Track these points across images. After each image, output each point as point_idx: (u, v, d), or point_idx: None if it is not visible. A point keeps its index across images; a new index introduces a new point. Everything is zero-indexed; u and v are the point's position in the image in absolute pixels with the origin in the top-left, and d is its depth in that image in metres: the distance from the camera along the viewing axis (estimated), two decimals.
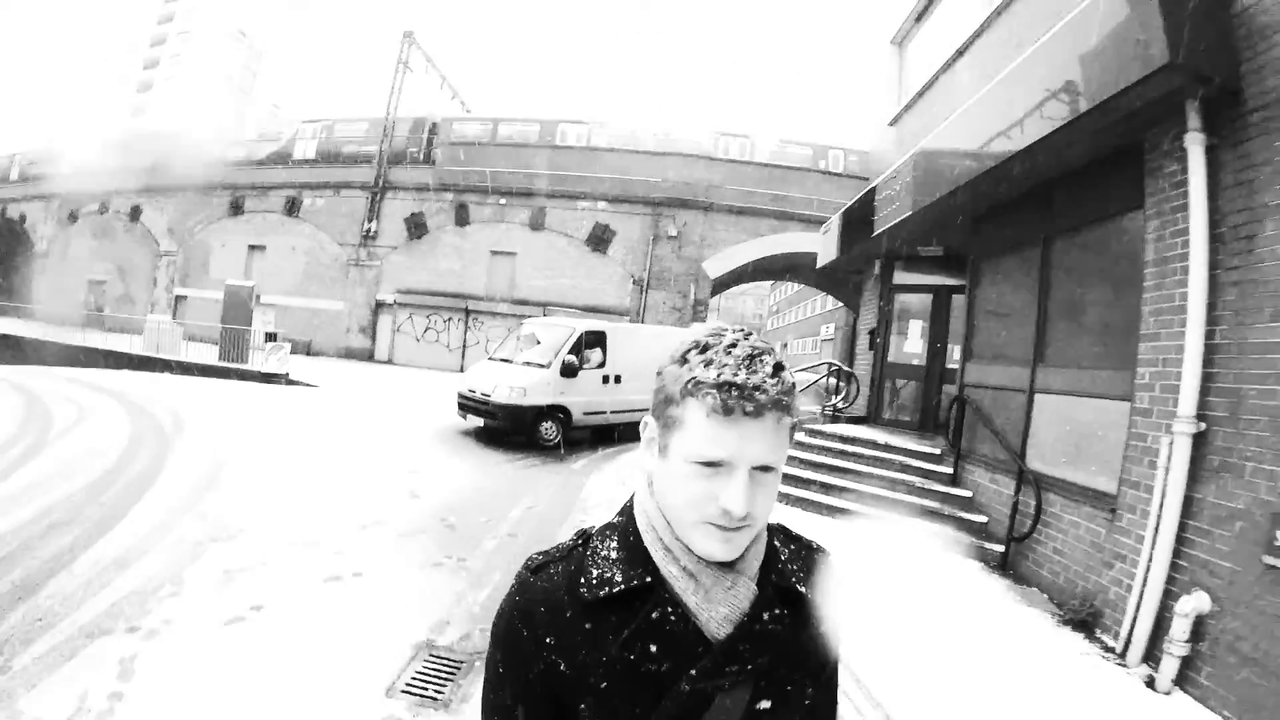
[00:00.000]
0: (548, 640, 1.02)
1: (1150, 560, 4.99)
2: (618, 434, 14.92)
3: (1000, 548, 7.31)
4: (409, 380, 22.86)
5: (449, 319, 30.12)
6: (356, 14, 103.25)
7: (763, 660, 1.03)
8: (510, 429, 12.79)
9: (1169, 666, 4.69)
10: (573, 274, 29.21)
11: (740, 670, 1.01)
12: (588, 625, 1.02)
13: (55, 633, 4.35)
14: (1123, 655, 5.17)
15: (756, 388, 0.94)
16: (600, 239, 28.91)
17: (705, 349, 1.00)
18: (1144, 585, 5.02)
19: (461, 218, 30.62)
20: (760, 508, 0.97)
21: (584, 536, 1.13)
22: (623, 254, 28.82)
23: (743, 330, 1.04)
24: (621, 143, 30.03)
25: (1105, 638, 5.48)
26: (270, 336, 21.03)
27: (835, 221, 12.82)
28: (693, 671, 0.99)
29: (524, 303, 28.75)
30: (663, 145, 29.65)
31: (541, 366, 13.14)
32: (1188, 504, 4.83)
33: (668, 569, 1.03)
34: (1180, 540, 4.89)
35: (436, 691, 4.15)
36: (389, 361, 30.26)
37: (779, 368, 0.98)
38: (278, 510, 7.46)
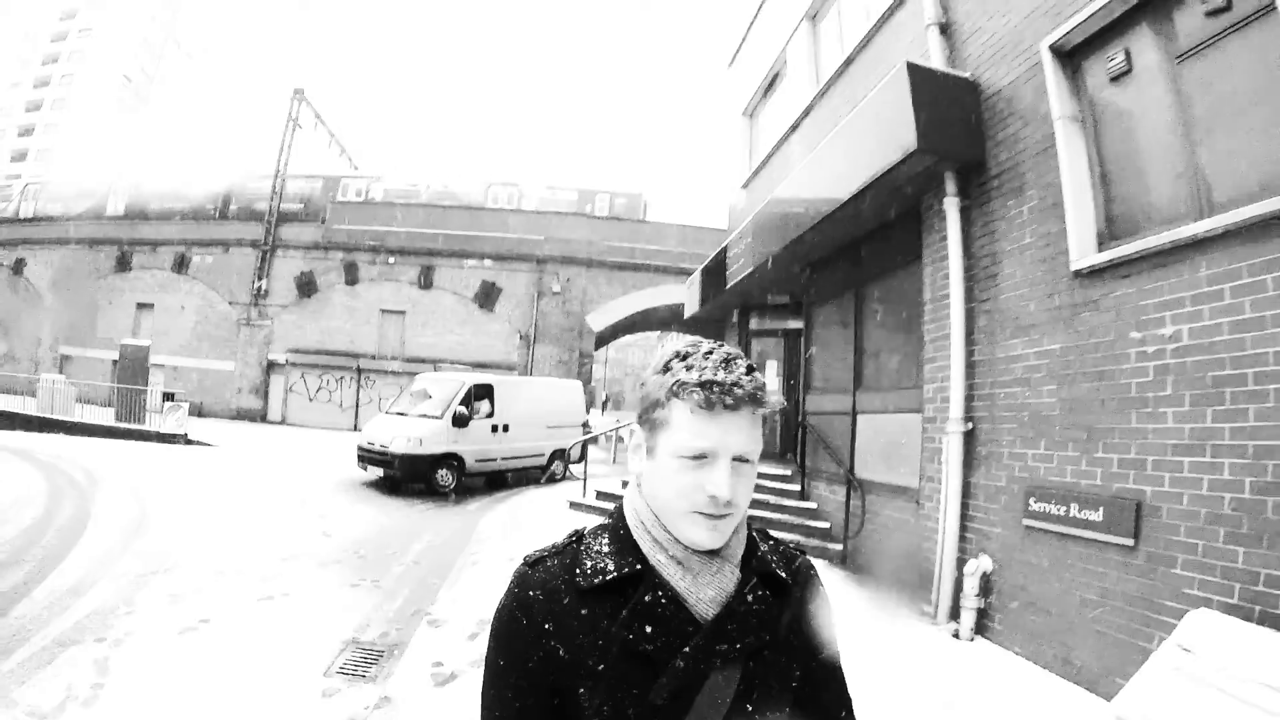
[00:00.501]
0: (546, 626, 1.07)
1: (944, 535, 6.17)
2: (510, 479, 15.75)
3: (839, 546, 8.48)
4: (304, 439, 22.90)
5: (341, 378, 30.01)
6: (246, 68, 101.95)
7: (750, 639, 1.08)
8: (408, 477, 13.42)
9: (968, 619, 5.84)
10: (461, 331, 29.63)
11: (730, 649, 1.07)
12: (584, 611, 1.08)
13: (31, 645, 4.91)
14: (935, 616, 6.29)
15: (734, 384, 1.02)
16: (487, 296, 29.51)
17: (685, 357, 1.08)
18: (942, 556, 6.19)
19: (351, 276, 30.67)
20: (741, 496, 1.04)
21: (578, 535, 1.20)
22: (509, 310, 29.46)
23: (715, 341, 1.14)
24: (506, 201, 31.04)
25: (923, 605, 6.58)
26: (168, 396, 20.94)
27: (697, 276, 14.09)
28: (686, 649, 1.04)
29: (415, 360, 28.93)
30: (545, 204, 30.79)
31: (435, 418, 13.90)
32: (966, 487, 6.07)
33: (656, 558, 1.09)
34: (964, 516, 6.11)
35: (364, 671, 4.91)
36: (282, 422, 29.83)
37: (751, 368, 1.07)
38: (205, 548, 8.00)
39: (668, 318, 32.40)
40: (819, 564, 9.71)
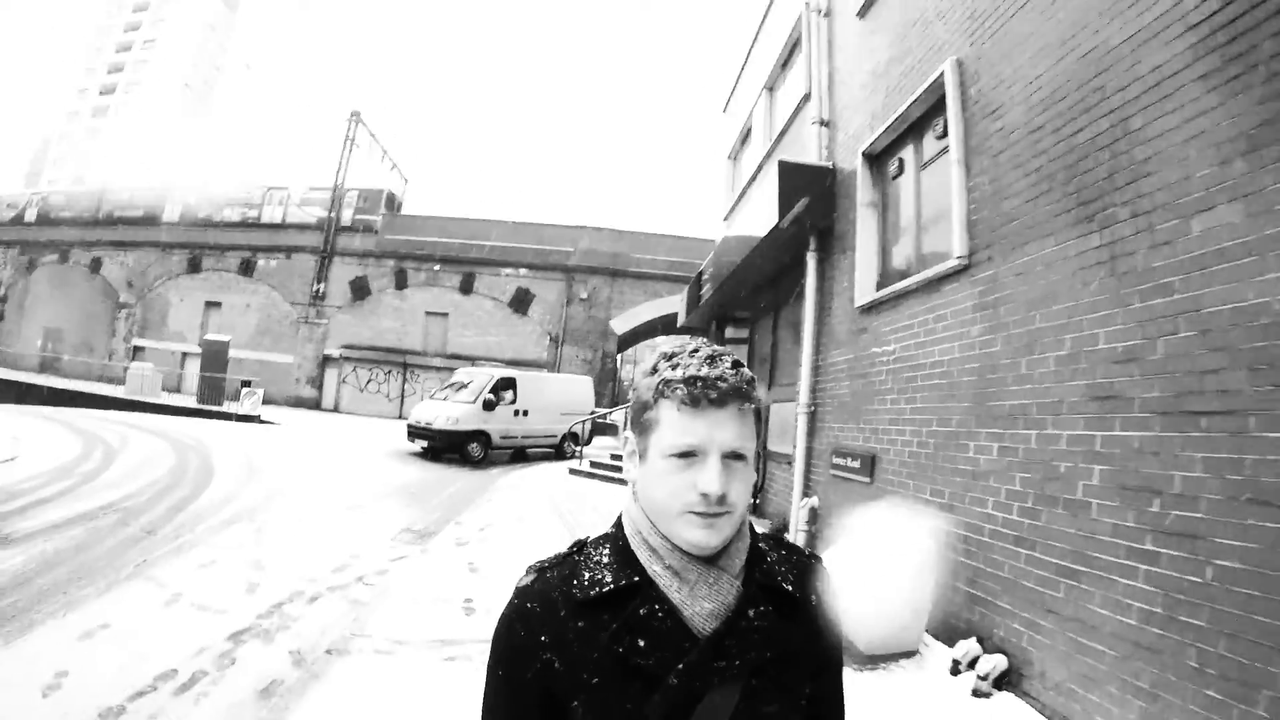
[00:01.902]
0: (543, 639, 1.05)
1: (796, 484, 8.85)
2: (527, 454, 19.17)
3: (754, 500, 11.13)
4: (356, 424, 26.07)
5: (389, 372, 33.04)
6: (301, 82, 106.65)
7: (751, 656, 1.05)
8: (446, 448, 16.60)
9: (801, 539, 8.45)
10: (497, 332, 32.61)
11: (729, 666, 1.03)
12: (580, 624, 1.05)
13: (209, 521, 8.03)
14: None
15: (718, 378, 1.02)
16: (521, 301, 32.51)
17: (671, 357, 1.08)
18: (794, 498, 8.83)
19: (400, 282, 33.78)
20: (735, 493, 1.02)
21: (580, 545, 1.18)
22: (541, 314, 32.44)
23: (703, 340, 1.13)
24: (540, 217, 33.88)
25: (787, 536, 9.18)
26: (245, 383, 24.25)
27: (684, 291, 16.79)
28: (680, 665, 1.02)
29: (455, 357, 31.69)
30: (575, 219, 33.58)
31: (468, 403, 17.11)
32: (808, 451, 8.73)
33: (652, 568, 1.07)
34: (806, 471, 8.76)
35: (415, 539, 8.02)
36: (335, 410, 32.86)
37: (737, 364, 1.07)
38: (303, 482, 11.34)
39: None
40: None
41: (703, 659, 1.03)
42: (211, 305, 36.03)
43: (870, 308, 7.40)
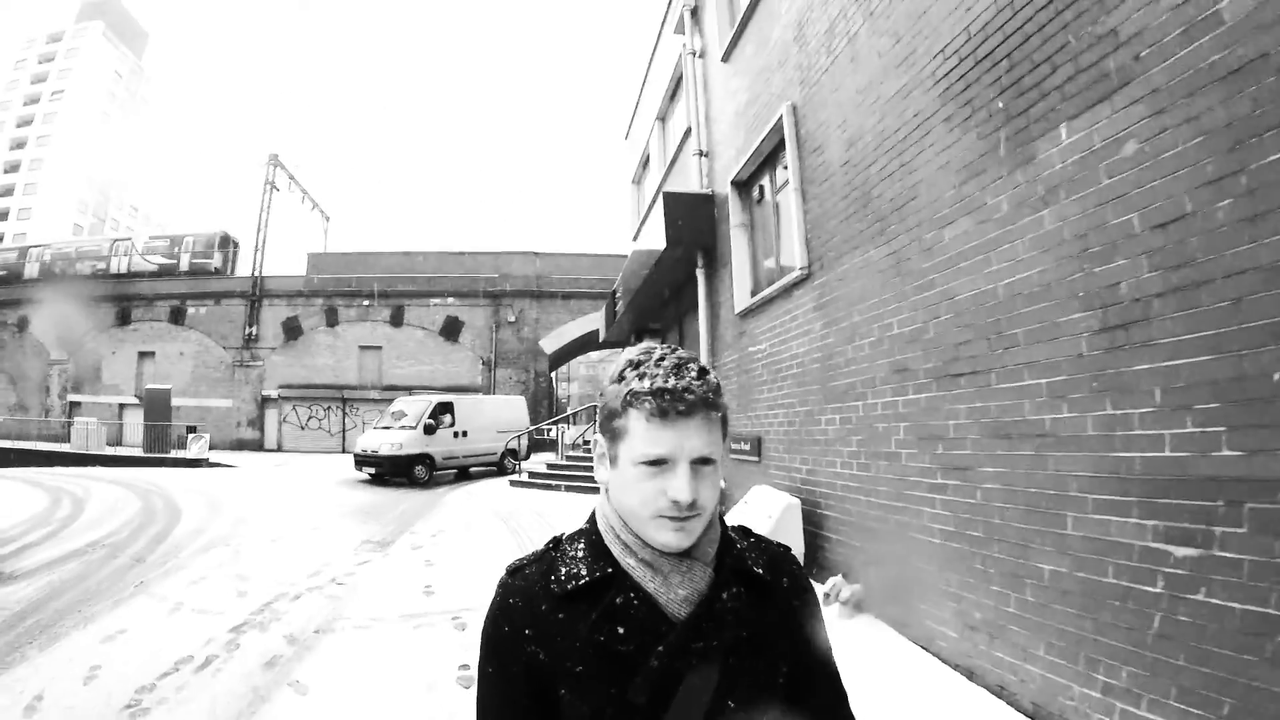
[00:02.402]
0: (526, 631, 1.08)
1: None
2: (470, 472, 20.14)
3: None
4: (302, 460, 26.55)
5: (328, 408, 33.42)
6: (218, 131, 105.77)
7: (727, 636, 1.08)
8: (392, 472, 17.50)
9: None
10: (431, 360, 33.30)
11: (705, 646, 1.06)
12: (560, 615, 1.08)
13: (189, 548, 8.85)
14: None
15: (686, 389, 1.02)
16: (452, 329, 33.26)
17: (638, 365, 1.07)
18: None
19: (332, 319, 34.16)
20: (705, 497, 1.03)
21: (556, 541, 1.21)
22: (471, 340, 33.23)
23: (668, 346, 1.11)
24: (464, 245, 34.70)
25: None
26: (191, 429, 24.57)
27: (603, 308, 17.91)
28: (661, 648, 1.04)
29: (392, 388, 32.18)
30: (498, 245, 34.59)
31: (410, 429, 18.04)
32: None
33: (626, 561, 1.09)
34: None
35: (375, 548, 8.91)
36: (278, 449, 33.02)
37: (703, 372, 1.07)
38: (266, 511, 12.20)
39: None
40: None
41: (681, 640, 1.05)
42: (145, 355, 35.64)
43: (746, 314, 8.59)
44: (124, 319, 36.17)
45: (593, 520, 1.19)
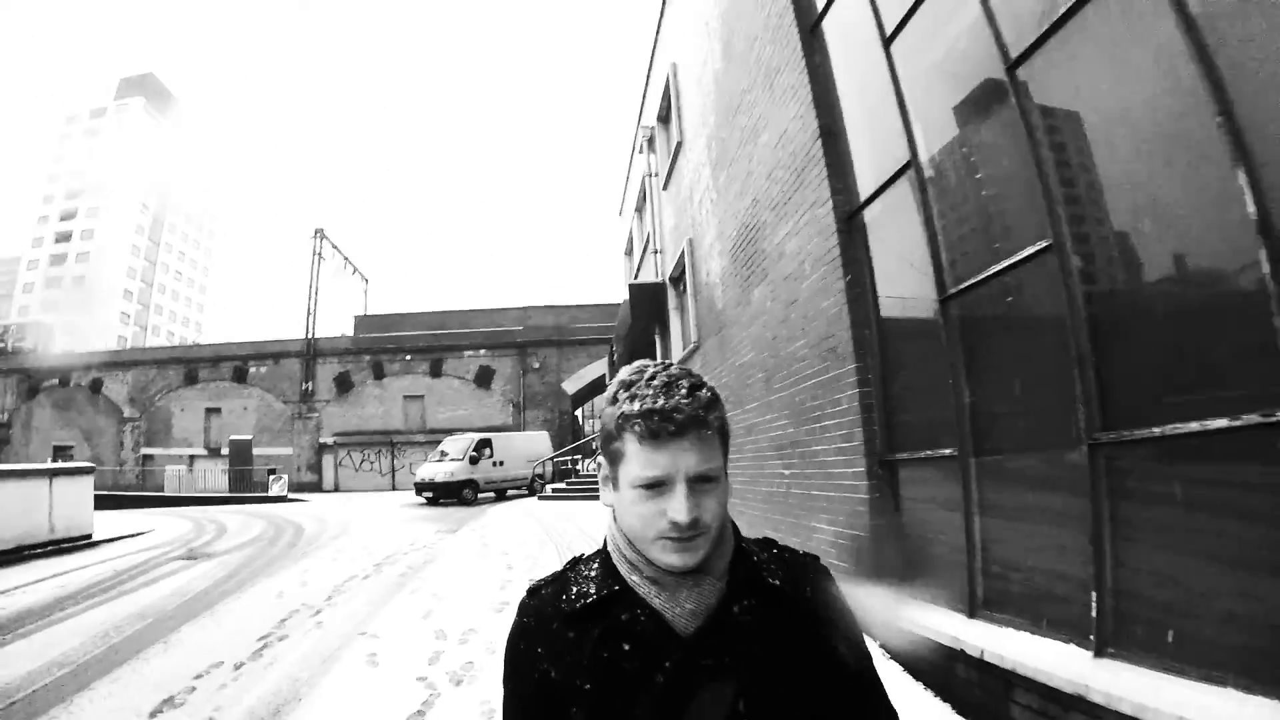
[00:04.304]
0: (539, 650, 1.10)
1: None
2: (506, 494, 25.13)
3: None
4: (360, 497, 31.37)
5: (378, 451, 38.45)
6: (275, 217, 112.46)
7: (739, 651, 1.05)
8: (444, 495, 22.50)
9: None
10: (467, 406, 38.32)
11: (715, 662, 1.04)
12: (571, 634, 1.09)
13: (318, 542, 13.73)
14: None
15: (674, 409, 0.99)
16: (484, 377, 38.29)
17: (630, 385, 1.05)
18: None
19: (378, 372, 39.31)
20: (707, 515, 1.01)
21: (574, 561, 1.21)
22: (502, 386, 38.27)
23: (661, 363, 1.09)
24: (492, 302, 40.06)
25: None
26: (271, 471, 29.69)
27: (608, 352, 22.78)
28: (666, 664, 1.03)
29: (434, 431, 36.96)
30: (522, 299, 39.81)
31: (458, 460, 23.04)
32: None
33: (632, 579, 1.08)
34: None
35: (443, 535, 13.53)
36: (335, 489, 37.84)
37: (695, 388, 1.04)
38: (363, 524, 16.73)
39: None
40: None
41: (687, 657, 1.04)
42: (212, 411, 40.80)
43: (684, 360, 13.23)
44: (191, 379, 41.47)
45: (605, 540, 1.18)
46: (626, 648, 1.06)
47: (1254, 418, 2.39)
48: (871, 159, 5.26)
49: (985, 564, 4.03)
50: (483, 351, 38.81)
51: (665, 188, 14.27)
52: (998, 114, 3.74)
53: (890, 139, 4.82)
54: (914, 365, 4.87)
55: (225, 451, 36.85)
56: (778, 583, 1.12)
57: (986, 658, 3.64)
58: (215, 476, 34.98)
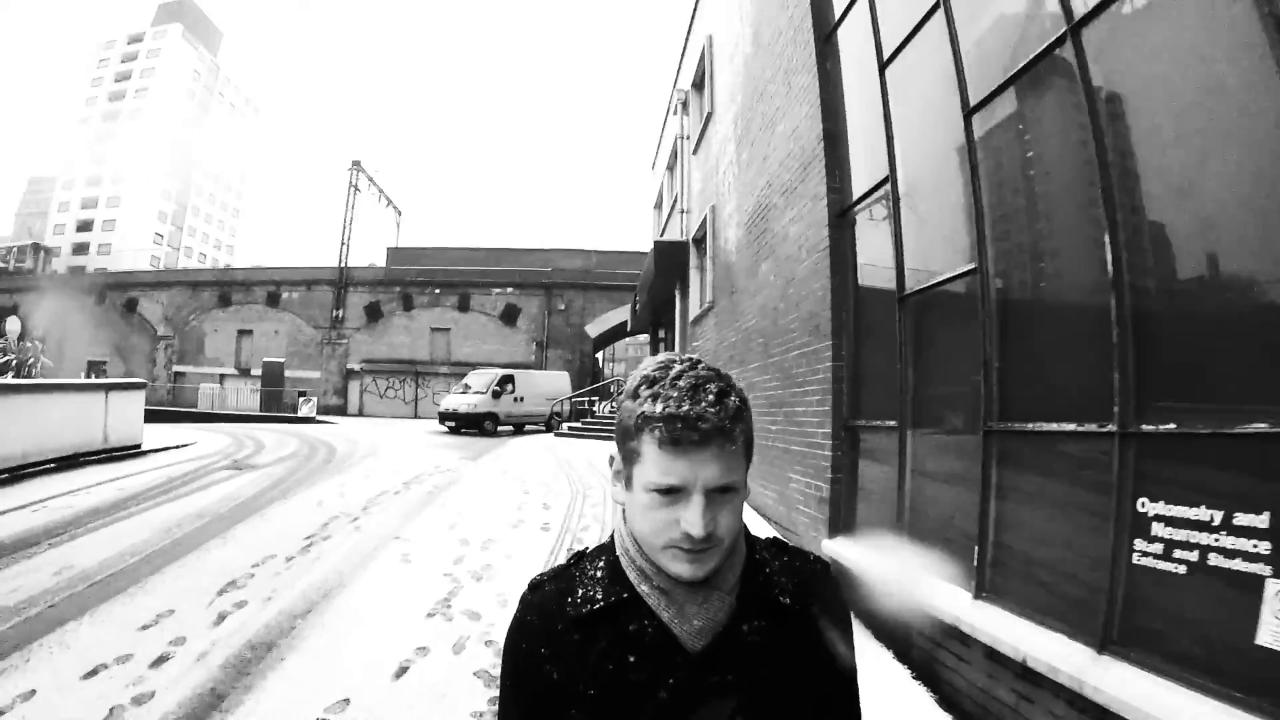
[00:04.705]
0: (542, 650, 1.08)
1: None
2: (524, 428, 26.34)
3: None
4: (385, 423, 32.70)
5: (403, 380, 39.79)
6: (291, 126, 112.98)
7: (744, 670, 1.04)
8: (466, 425, 23.77)
9: None
10: (492, 342, 39.50)
11: (721, 682, 1.03)
12: (576, 637, 1.07)
13: (352, 459, 14.87)
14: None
15: (699, 418, 0.94)
16: (510, 315, 39.35)
17: (654, 383, 1.00)
18: None
19: (407, 304, 40.42)
20: (723, 527, 0.98)
21: (578, 557, 1.19)
22: (527, 325, 39.31)
23: (689, 360, 1.05)
24: (521, 242, 40.96)
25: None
26: (302, 393, 30.97)
27: (630, 301, 23.66)
28: (671, 681, 1.02)
29: (459, 364, 38.23)
30: (551, 241, 40.64)
31: (481, 394, 24.27)
32: None
33: (641, 588, 1.06)
34: None
35: (464, 461, 14.56)
36: (359, 414, 39.24)
37: (722, 394, 0.98)
38: (391, 444, 17.89)
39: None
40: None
41: (693, 676, 1.03)
42: (244, 333, 42.20)
43: (695, 321, 14.10)
44: (225, 301, 42.73)
45: (613, 538, 1.15)
46: (633, 659, 1.04)
47: (1092, 426, 3.23)
48: (866, 166, 6.01)
49: (912, 517, 4.92)
50: (510, 290, 39.78)
51: (695, 152, 14.95)
52: (953, 151, 4.53)
53: (879, 153, 5.60)
54: (877, 349, 5.69)
55: (256, 372, 38.57)
56: (788, 601, 1.10)
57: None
58: (245, 396, 36.51)
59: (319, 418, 29.97)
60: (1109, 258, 3.13)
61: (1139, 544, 2.93)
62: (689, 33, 16.22)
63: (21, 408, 11.54)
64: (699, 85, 14.79)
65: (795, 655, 1.09)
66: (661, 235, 20.84)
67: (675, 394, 0.97)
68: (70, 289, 46.17)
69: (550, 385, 28.08)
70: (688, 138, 16.44)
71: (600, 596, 1.08)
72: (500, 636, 4.94)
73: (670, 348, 18.78)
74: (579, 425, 25.21)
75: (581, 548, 1.38)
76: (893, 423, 5.14)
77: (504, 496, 10.63)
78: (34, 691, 3.94)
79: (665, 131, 20.59)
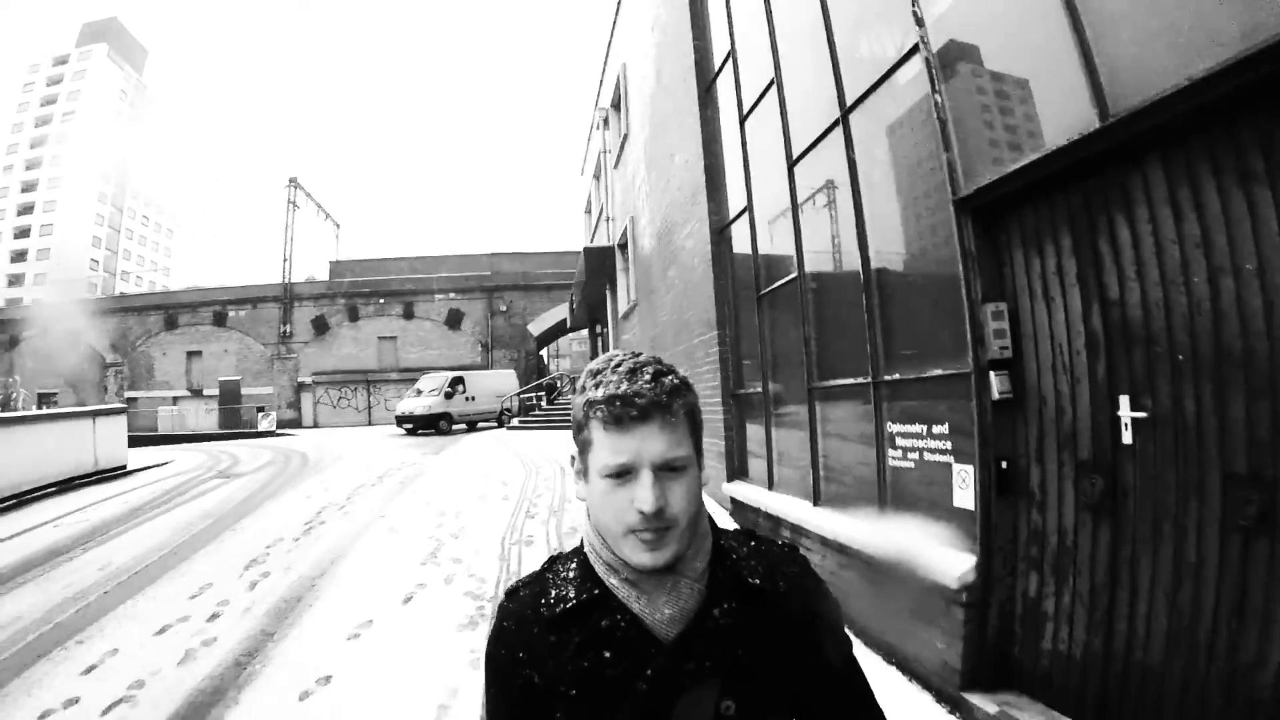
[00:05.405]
0: (520, 655, 1.10)
1: None
2: (477, 426, 27.61)
3: None
4: (341, 432, 33.52)
5: (355, 389, 40.43)
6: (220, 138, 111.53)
7: (721, 656, 1.05)
8: (423, 426, 25.06)
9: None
10: (438, 346, 40.44)
11: (698, 667, 1.04)
12: (552, 639, 1.08)
13: (325, 462, 16.26)
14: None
15: (636, 394, 0.99)
16: (454, 319, 40.42)
17: (597, 374, 1.06)
18: None
19: (353, 315, 41.06)
20: (675, 505, 1.00)
21: (551, 560, 1.21)
22: (471, 327, 40.44)
23: (630, 352, 1.09)
24: (462, 248, 42.10)
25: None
26: (260, 409, 31.95)
27: (567, 300, 25.21)
28: (649, 672, 1.03)
29: (408, 370, 39.05)
30: (491, 247, 41.80)
31: (434, 395, 25.57)
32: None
33: (610, 581, 1.08)
34: None
35: (425, 456, 16.03)
36: (314, 425, 39.67)
37: (659, 375, 1.03)
38: (357, 450, 19.12)
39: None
40: None
41: (669, 664, 1.03)
42: (193, 354, 42.10)
43: (624, 317, 15.69)
44: (171, 324, 42.62)
45: (582, 539, 1.16)
46: (608, 655, 1.05)
47: (862, 379, 4.93)
48: (738, 194, 7.66)
49: (778, 458, 6.65)
50: (453, 295, 40.82)
51: (615, 167, 16.52)
52: (785, 193, 6.21)
53: (742, 187, 7.30)
54: (749, 333, 7.40)
55: (208, 392, 39.00)
56: (758, 582, 1.11)
57: (771, 511, 6.30)
58: (201, 416, 37.12)
59: (279, 431, 31.04)
60: (862, 276, 4.84)
61: (889, 451, 4.64)
62: (607, 56, 17.64)
63: (23, 437, 12.68)
64: (616, 106, 16.28)
65: (771, 635, 1.09)
66: (592, 240, 22.43)
67: (615, 378, 1.03)
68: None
69: (499, 383, 29.51)
70: (609, 152, 17.99)
71: (572, 595, 1.09)
72: (479, 572, 6.53)
73: (606, 342, 20.39)
74: (528, 419, 26.81)
75: (555, 551, 1.25)
76: (758, 388, 6.85)
77: (467, 480, 12.14)
78: (116, 650, 5.23)
79: (590, 144, 22.03)
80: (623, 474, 1.00)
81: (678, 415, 1.02)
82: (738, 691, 1.05)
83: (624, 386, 1.01)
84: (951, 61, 3.89)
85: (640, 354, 1.08)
